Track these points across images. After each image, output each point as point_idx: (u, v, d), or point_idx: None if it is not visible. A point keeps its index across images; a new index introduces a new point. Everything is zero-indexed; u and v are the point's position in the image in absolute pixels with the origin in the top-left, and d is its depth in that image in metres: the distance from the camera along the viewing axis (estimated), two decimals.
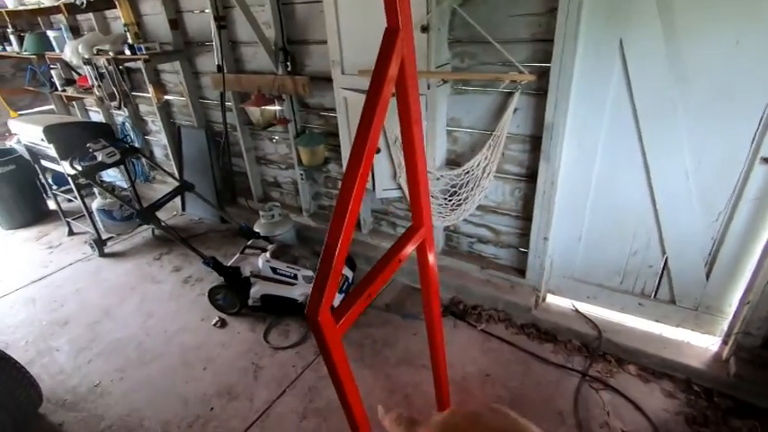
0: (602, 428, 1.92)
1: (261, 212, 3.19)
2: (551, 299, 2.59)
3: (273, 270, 2.69)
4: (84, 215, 3.47)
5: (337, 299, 2.62)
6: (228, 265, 2.76)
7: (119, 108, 3.79)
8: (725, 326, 2.14)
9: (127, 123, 4.32)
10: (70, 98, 4.43)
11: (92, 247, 3.57)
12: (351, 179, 0.90)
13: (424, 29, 2.07)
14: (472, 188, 2.35)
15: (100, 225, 3.53)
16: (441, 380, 1.63)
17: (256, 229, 3.17)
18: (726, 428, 1.87)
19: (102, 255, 3.57)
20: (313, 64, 2.85)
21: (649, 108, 1.91)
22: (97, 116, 4.76)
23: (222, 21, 3.05)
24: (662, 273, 2.21)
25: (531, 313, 2.49)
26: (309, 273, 2.66)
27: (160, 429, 2.08)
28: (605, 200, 2.20)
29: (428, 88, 2.23)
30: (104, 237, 3.58)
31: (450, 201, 2.43)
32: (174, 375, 2.38)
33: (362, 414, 1.04)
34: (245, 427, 2.05)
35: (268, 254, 2.72)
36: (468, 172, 2.32)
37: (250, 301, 2.73)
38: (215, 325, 2.73)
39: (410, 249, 1.15)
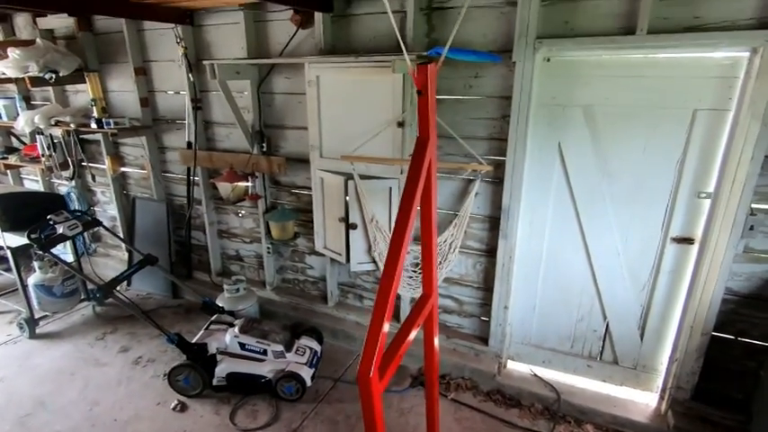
0: None
1: (225, 286, 3.15)
2: (512, 365, 2.79)
3: (242, 346, 2.63)
4: (13, 291, 3.16)
5: (309, 372, 2.61)
6: (194, 341, 2.66)
7: (71, 178, 3.67)
8: (659, 382, 2.46)
9: (72, 194, 4.14)
10: (8, 166, 4.19)
11: (21, 328, 3.22)
12: (394, 259, 1.09)
13: (400, 124, 2.40)
14: (440, 261, 2.59)
15: (35, 302, 3.23)
16: None
17: (219, 303, 3.11)
18: None
19: (33, 336, 3.22)
20: (288, 146, 3.07)
21: (584, 196, 2.34)
22: (35, 185, 4.50)
23: (198, 103, 3.22)
24: (604, 336, 2.54)
25: (495, 380, 2.65)
26: (279, 347, 2.64)
27: None
28: (554, 272, 2.54)
29: (401, 173, 2.52)
30: (37, 315, 3.26)
31: (419, 274, 2.64)
32: None
33: None
34: None
35: (236, 329, 2.67)
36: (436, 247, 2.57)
37: (214, 381, 2.61)
38: (174, 409, 2.54)
39: (427, 311, 1.32)
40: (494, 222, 2.56)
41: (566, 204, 2.40)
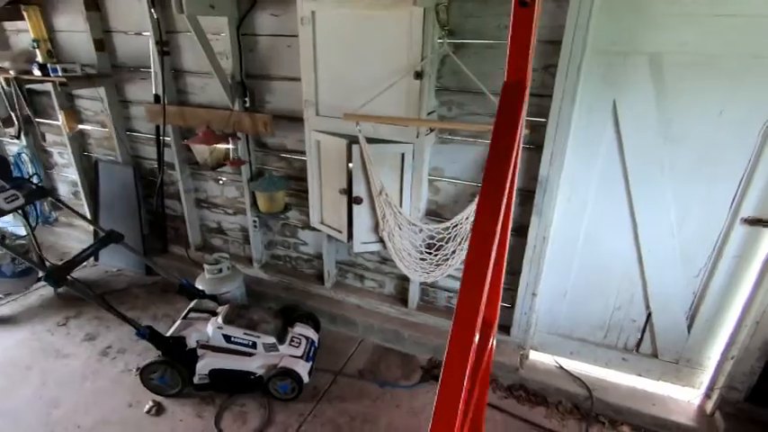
0: None
1: (206, 266, 2.72)
2: (534, 355, 2.49)
3: (227, 338, 2.25)
4: None
5: (305, 366, 2.26)
6: (169, 334, 2.27)
7: (17, 137, 3.10)
8: (703, 378, 2.18)
9: (24, 155, 3.57)
10: None
11: None
12: (476, 278, 0.69)
13: (418, 75, 1.93)
14: (460, 242, 2.20)
15: None
16: None
17: (199, 285, 2.69)
18: None
19: None
20: (275, 101, 2.56)
21: (639, 166, 1.94)
22: None
23: (165, 46, 2.66)
24: (644, 327, 2.22)
25: (518, 373, 2.35)
26: (271, 339, 2.27)
27: None
28: (592, 255, 2.18)
29: (417, 137, 2.07)
30: None
31: (435, 255, 2.25)
32: None
33: None
34: None
35: (220, 318, 2.28)
36: (456, 225, 2.17)
37: (196, 379, 2.24)
38: (149, 412, 2.18)
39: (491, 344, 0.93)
40: (526, 197, 2.16)
41: (615, 177, 2.00)
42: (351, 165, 2.12)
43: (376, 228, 2.25)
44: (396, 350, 2.64)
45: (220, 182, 3.02)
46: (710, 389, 2.12)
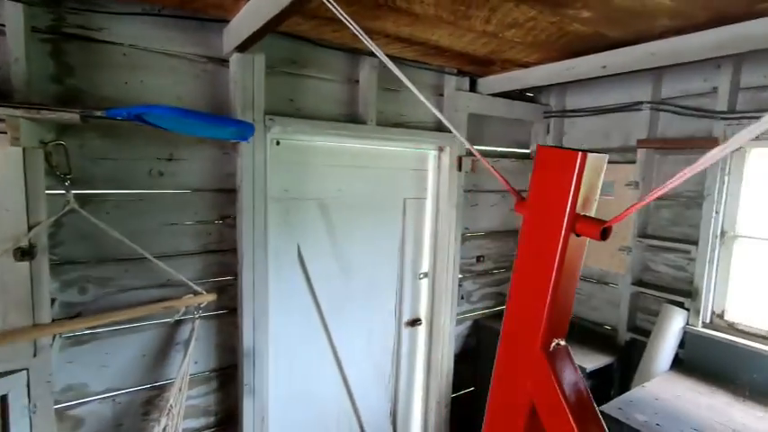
0: None
1: None
2: None
3: None
4: None
5: None
6: None
7: None
8: None
9: None
10: None
11: None
12: None
13: (26, 253, 1.11)
14: None
15: None
16: None
17: None
18: None
19: None
20: None
21: (330, 304, 1.94)
22: None
23: None
24: None
25: None
26: None
27: None
28: (307, 408, 1.94)
29: (35, 355, 1.17)
30: None
31: None
32: None
33: None
34: None
35: None
36: None
37: None
38: None
39: None
40: (225, 377, 1.66)
41: (313, 319, 1.90)
42: None
43: None
44: None
45: None
46: None
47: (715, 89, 1.81)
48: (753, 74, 1.72)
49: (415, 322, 2.25)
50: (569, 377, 0.55)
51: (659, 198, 2.06)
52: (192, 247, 1.55)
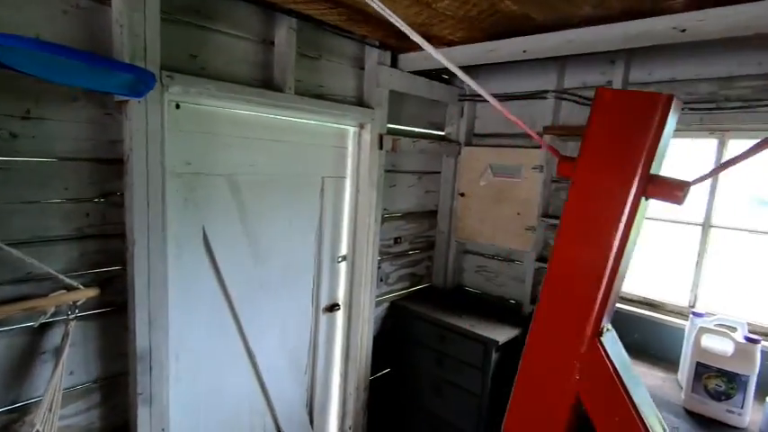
0: None
1: None
2: None
3: None
4: None
5: None
6: None
7: None
8: None
9: None
10: None
11: None
12: None
13: None
14: None
15: None
16: None
17: None
18: None
19: None
20: None
21: (241, 295, 1.73)
22: None
23: None
24: None
25: None
26: None
27: None
28: (216, 404, 1.73)
29: None
30: None
31: None
32: None
33: None
34: None
35: None
36: None
37: None
38: None
39: None
40: (111, 387, 1.38)
41: (221, 310, 1.68)
42: None
43: None
44: None
45: None
46: None
47: (609, 82, 2.00)
48: (640, 70, 1.93)
49: (333, 308, 2.14)
50: (622, 363, 0.50)
51: (557, 180, 2.24)
52: (62, 231, 1.23)
